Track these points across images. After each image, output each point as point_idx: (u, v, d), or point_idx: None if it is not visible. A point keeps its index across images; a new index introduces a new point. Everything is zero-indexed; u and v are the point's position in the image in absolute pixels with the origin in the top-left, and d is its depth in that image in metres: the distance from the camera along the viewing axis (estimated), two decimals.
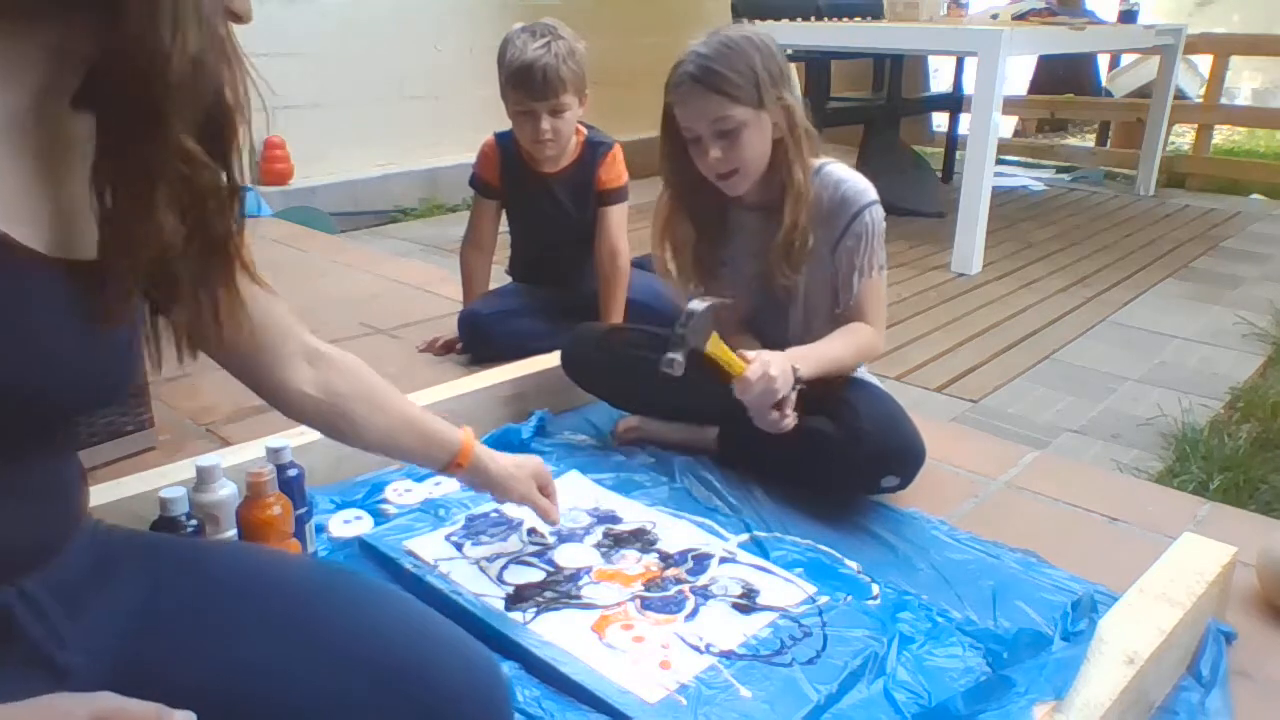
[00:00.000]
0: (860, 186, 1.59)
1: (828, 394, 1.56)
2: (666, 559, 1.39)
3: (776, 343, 1.57)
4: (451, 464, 1.19)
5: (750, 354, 1.49)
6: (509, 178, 2.28)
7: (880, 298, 1.63)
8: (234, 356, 0.99)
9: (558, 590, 1.30)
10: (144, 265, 0.74)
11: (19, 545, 0.74)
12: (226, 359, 0.98)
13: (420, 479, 1.63)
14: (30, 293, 0.69)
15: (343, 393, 1.07)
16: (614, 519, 1.50)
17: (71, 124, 0.72)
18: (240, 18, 0.75)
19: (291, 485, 1.32)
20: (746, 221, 1.65)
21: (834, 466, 1.54)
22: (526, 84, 2.05)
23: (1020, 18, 4.02)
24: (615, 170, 2.24)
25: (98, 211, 0.72)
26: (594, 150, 2.23)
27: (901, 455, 1.53)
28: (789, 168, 1.55)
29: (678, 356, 1.43)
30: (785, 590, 1.32)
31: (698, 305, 1.47)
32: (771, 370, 1.46)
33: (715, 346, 1.47)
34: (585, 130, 2.24)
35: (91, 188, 0.71)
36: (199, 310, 0.82)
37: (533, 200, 2.27)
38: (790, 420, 1.51)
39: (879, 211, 1.59)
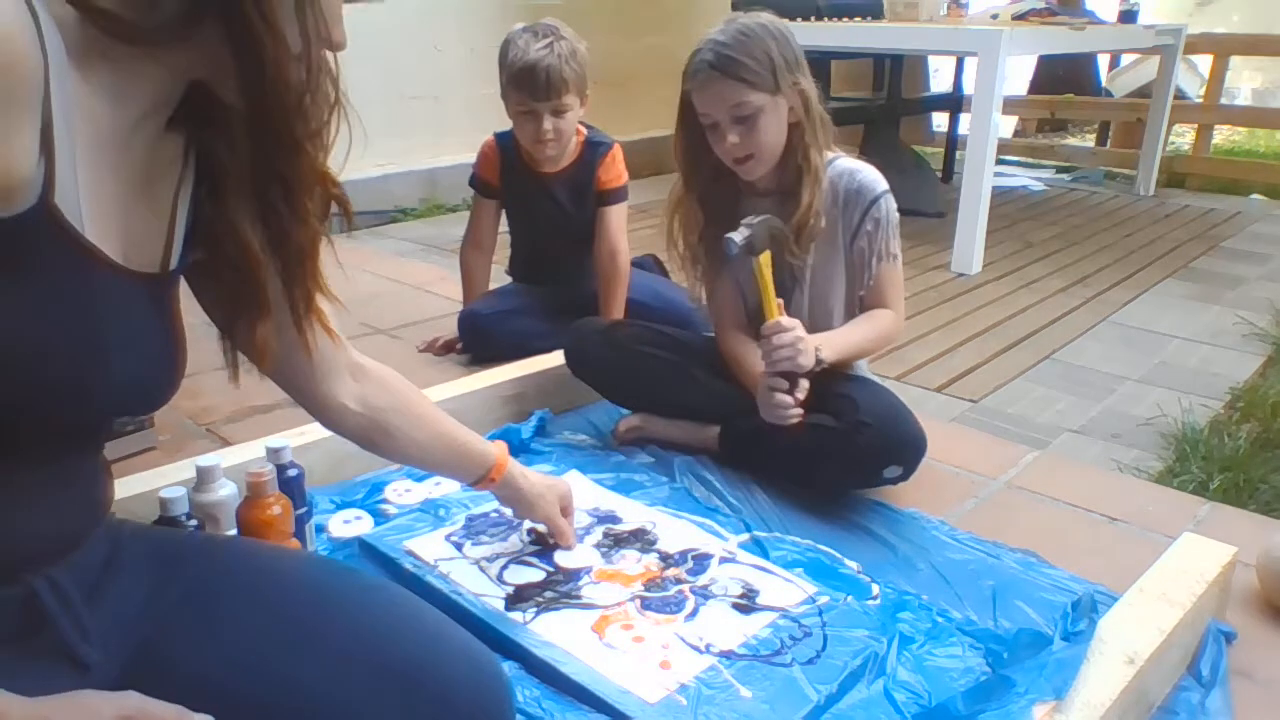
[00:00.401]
0: (875, 176, 1.64)
1: (827, 391, 1.56)
2: (666, 559, 1.39)
3: None
4: (484, 479, 1.23)
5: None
6: (508, 178, 2.28)
7: (898, 282, 1.67)
8: (287, 368, 0.99)
9: (558, 590, 1.30)
10: (302, 273, 0.83)
11: (51, 536, 0.76)
12: (279, 371, 0.99)
13: (420, 479, 1.63)
14: (97, 296, 0.72)
15: (381, 407, 1.08)
16: (614, 519, 1.50)
17: (163, 145, 0.77)
18: (336, 46, 0.79)
19: (291, 485, 1.32)
20: (758, 208, 1.66)
21: (836, 459, 1.55)
22: (529, 84, 2.05)
23: (1020, 18, 4.01)
24: (615, 170, 2.24)
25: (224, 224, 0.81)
26: (593, 150, 2.23)
27: (903, 445, 1.54)
28: (805, 151, 1.58)
29: (736, 238, 1.47)
30: (785, 590, 1.31)
31: (758, 216, 1.53)
32: (799, 331, 1.50)
33: (767, 264, 1.52)
34: (585, 130, 2.24)
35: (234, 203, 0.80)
36: (287, 315, 0.88)
37: (532, 200, 2.27)
38: (796, 414, 1.53)
39: (892, 201, 1.63)
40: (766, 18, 1.59)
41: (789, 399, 1.53)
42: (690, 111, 1.61)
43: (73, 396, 0.71)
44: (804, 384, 1.53)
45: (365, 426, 1.08)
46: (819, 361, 1.52)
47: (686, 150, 1.66)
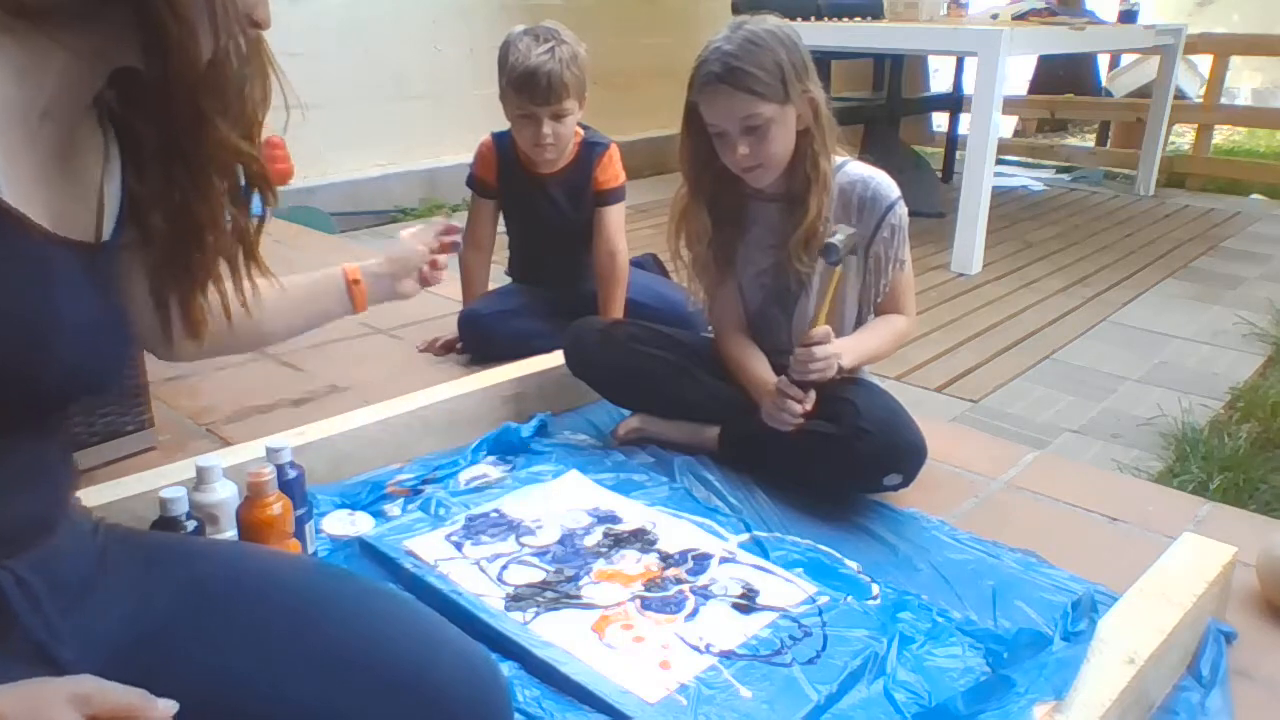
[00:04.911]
0: (888, 182, 1.63)
1: (827, 394, 1.56)
2: (666, 559, 1.39)
3: (781, 337, 1.58)
4: (352, 302, 1.28)
5: None
6: (506, 178, 2.27)
7: (910, 285, 1.69)
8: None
9: (558, 590, 1.30)
10: (202, 247, 0.84)
11: (5, 524, 0.75)
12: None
13: (421, 479, 1.63)
14: (49, 267, 0.72)
15: (253, 316, 1.09)
16: (614, 519, 1.50)
17: (87, 122, 0.78)
18: (260, 25, 0.80)
19: (291, 486, 1.32)
20: (765, 213, 1.66)
21: (836, 465, 1.55)
22: (530, 89, 2.04)
23: (1020, 18, 4.02)
24: (612, 170, 2.23)
25: (130, 198, 0.81)
26: (590, 151, 2.22)
27: (903, 453, 1.54)
28: (814, 159, 1.57)
29: (837, 244, 1.51)
30: (785, 590, 1.31)
31: (848, 228, 1.56)
32: (836, 346, 1.52)
33: (839, 274, 1.54)
34: (582, 131, 2.24)
35: (119, 176, 0.80)
36: (228, 288, 0.89)
37: (529, 201, 2.27)
38: (799, 421, 1.53)
39: (904, 206, 1.63)
40: (774, 23, 1.56)
41: (799, 407, 1.53)
42: (696, 119, 1.58)
43: (17, 375, 0.69)
44: (812, 394, 1.54)
45: (239, 341, 1.13)
46: (838, 369, 1.53)
47: (692, 158, 1.64)
